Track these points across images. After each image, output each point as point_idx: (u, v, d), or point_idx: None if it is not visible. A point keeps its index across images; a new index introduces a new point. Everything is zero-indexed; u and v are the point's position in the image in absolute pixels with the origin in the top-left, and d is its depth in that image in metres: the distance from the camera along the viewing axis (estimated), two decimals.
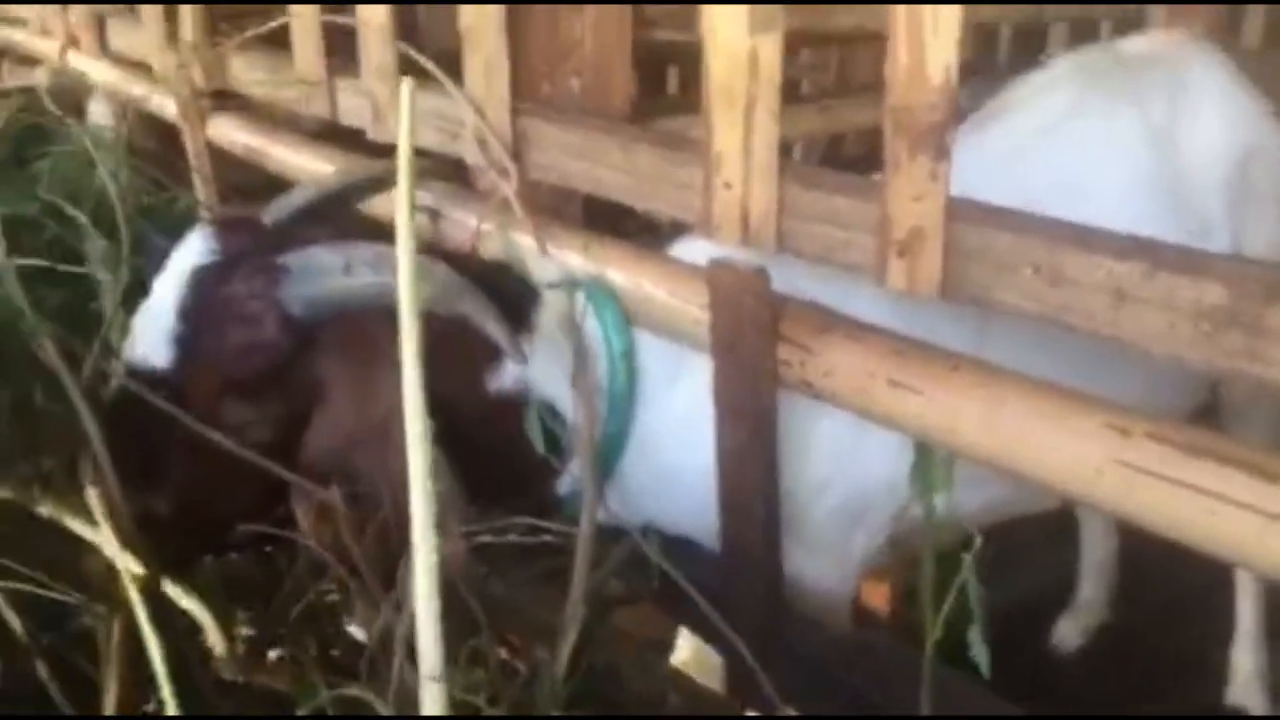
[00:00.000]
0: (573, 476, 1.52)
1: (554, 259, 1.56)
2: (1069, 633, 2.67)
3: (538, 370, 1.48)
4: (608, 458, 1.50)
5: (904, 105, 1.14)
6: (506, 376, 1.50)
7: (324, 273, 1.40)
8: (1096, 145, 1.72)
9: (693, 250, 1.50)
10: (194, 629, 1.44)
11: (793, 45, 3.62)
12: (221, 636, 1.38)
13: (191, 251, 1.44)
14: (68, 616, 1.50)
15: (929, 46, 1.10)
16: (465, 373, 1.48)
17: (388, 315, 1.26)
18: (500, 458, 1.48)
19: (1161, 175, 1.70)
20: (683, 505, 1.53)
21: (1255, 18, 3.44)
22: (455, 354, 1.46)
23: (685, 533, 1.56)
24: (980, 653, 1.07)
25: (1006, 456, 1.11)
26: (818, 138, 3.22)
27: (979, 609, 1.08)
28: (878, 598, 2.53)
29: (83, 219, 2.03)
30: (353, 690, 0.99)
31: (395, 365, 0.98)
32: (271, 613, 1.55)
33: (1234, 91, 1.83)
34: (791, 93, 3.48)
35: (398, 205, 0.90)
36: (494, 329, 1.41)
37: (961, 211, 1.15)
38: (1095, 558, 2.65)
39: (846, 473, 1.53)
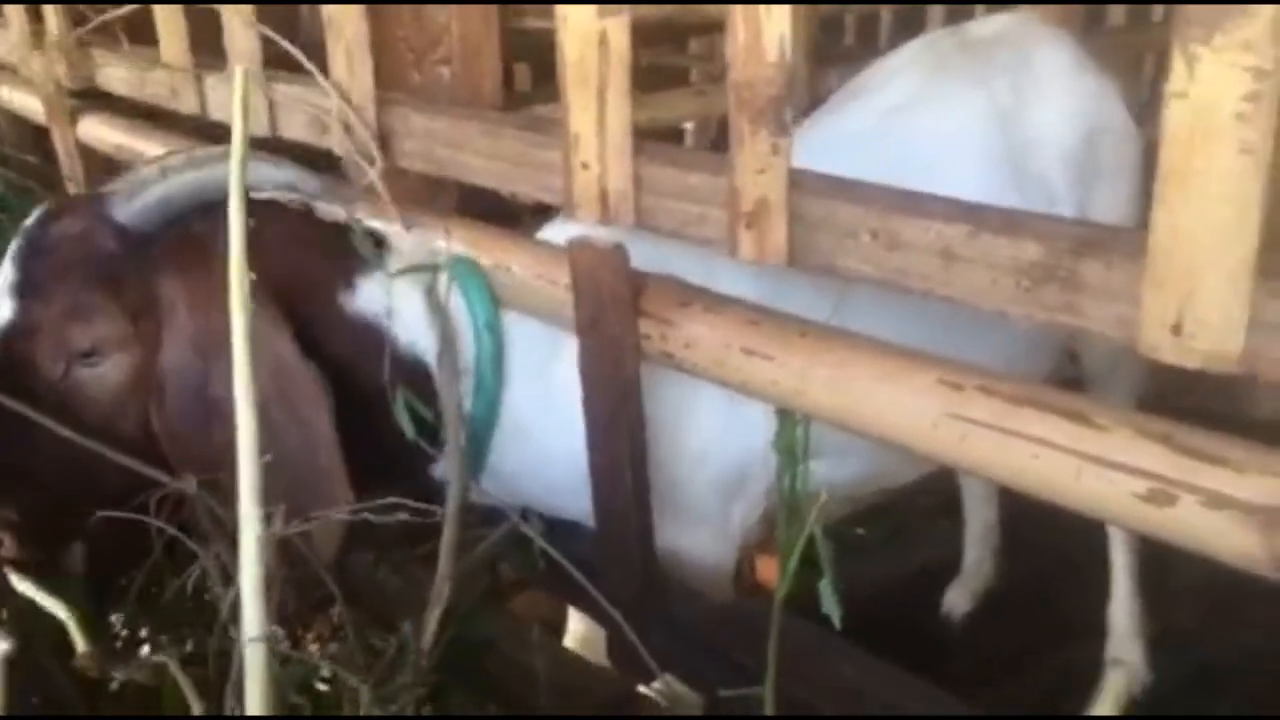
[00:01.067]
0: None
1: (418, 240, 1.56)
2: (957, 600, 2.75)
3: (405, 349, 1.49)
4: (479, 436, 1.52)
5: (744, 81, 1.18)
6: (363, 298, 1.51)
7: (145, 182, 1.44)
8: (944, 125, 1.78)
9: (561, 233, 1.53)
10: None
11: (680, 34, 3.67)
12: (81, 634, 1.37)
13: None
14: None
15: (764, 24, 1.14)
16: (320, 287, 1.49)
17: (218, 215, 1.31)
18: (372, 434, 1.48)
19: (1007, 153, 1.76)
20: (558, 487, 1.55)
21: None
22: (307, 265, 1.49)
23: (564, 514, 1.58)
24: (830, 604, 1.11)
25: (852, 415, 1.15)
26: (703, 122, 3.27)
27: (829, 562, 1.12)
28: (770, 571, 2.58)
29: None
30: (159, 657, 0.98)
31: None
32: (141, 607, 1.54)
33: (1078, 71, 1.90)
34: (681, 81, 3.55)
35: (231, 191, 0.91)
36: (343, 212, 1.48)
37: (803, 183, 1.19)
38: (977, 526, 2.74)
39: (722, 445, 1.56)
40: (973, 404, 1.04)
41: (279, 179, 1.55)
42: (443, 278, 1.50)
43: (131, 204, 1.44)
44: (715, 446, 1.56)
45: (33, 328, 1.41)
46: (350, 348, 1.49)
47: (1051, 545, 2.66)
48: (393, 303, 1.50)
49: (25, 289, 1.41)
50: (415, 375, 1.50)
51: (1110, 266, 0.96)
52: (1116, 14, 3.57)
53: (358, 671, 1.18)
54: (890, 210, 1.12)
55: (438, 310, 1.47)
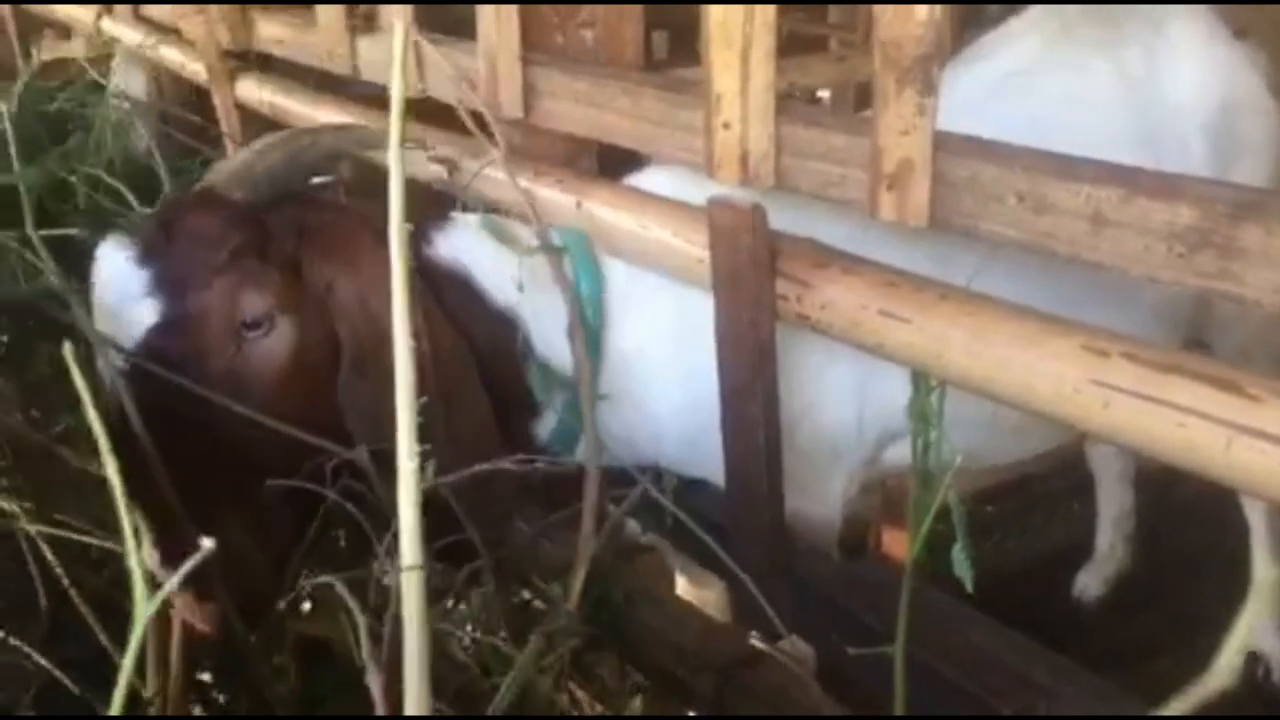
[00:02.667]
0: (554, 418, 1.56)
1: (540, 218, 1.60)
2: (1090, 583, 2.70)
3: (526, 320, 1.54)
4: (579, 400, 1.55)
5: (891, 39, 1.17)
6: (450, 252, 1.54)
7: (247, 164, 1.47)
8: (1067, 91, 1.74)
9: (651, 182, 1.59)
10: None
11: (820, 2, 3.63)
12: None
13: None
14: (109, 562, 1.56)
15: None
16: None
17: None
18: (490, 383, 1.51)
19: (1138, 125, 1.71)
20: (669, 445, 1.58)
21: None
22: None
23: (678, 471, 1.61)
24: (962, 570, 1.10)
25: (991, 380, 1.14)
26: (841, 89, 3.23)
27: (963, 530, 1.11)
28: (898, 545, 2.57)
29: (122, 189, 2.08)
30: (328, 578, 1.03)
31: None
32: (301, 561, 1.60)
33: (1214, 43, 1.83)
34: (819, 48, 3.52)
35: (390, 151, 0.94)
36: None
37: (948, 144, 1.18)
38: (1112, 510, 2.68)
39: (811, 414, 1.56)
40: (1117, 370, 1.02)
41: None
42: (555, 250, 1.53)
43: (243, 183, 1.45)
44: (807, 413, 1.56)
45: (193, 316, 1.38)
46: (448, 308, 1.50)
47: (1188, 533, 2.60)
48: (485, 263, 1.53)
49: (169, 284, 1.38)
50: (507, 336, 1.53)
51: (1271, 233, 0.94)
52: None
53: (506, 624, 1.22)
54: (1038, 172, 1.10)
55: (567, 288, 1.50)
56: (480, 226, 1.60)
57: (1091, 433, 1.10)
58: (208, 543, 0.56)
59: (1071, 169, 1.10)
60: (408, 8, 1.92)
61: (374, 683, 0.83)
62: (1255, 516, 2.25)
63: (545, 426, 1.59)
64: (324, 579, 1.02)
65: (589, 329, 1.54)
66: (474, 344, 1.49)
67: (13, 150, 1.75)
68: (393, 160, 0.89)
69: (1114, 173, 1.07)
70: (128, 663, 0.57)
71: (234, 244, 1.40)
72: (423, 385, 1.34)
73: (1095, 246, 1.07)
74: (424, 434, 1.30)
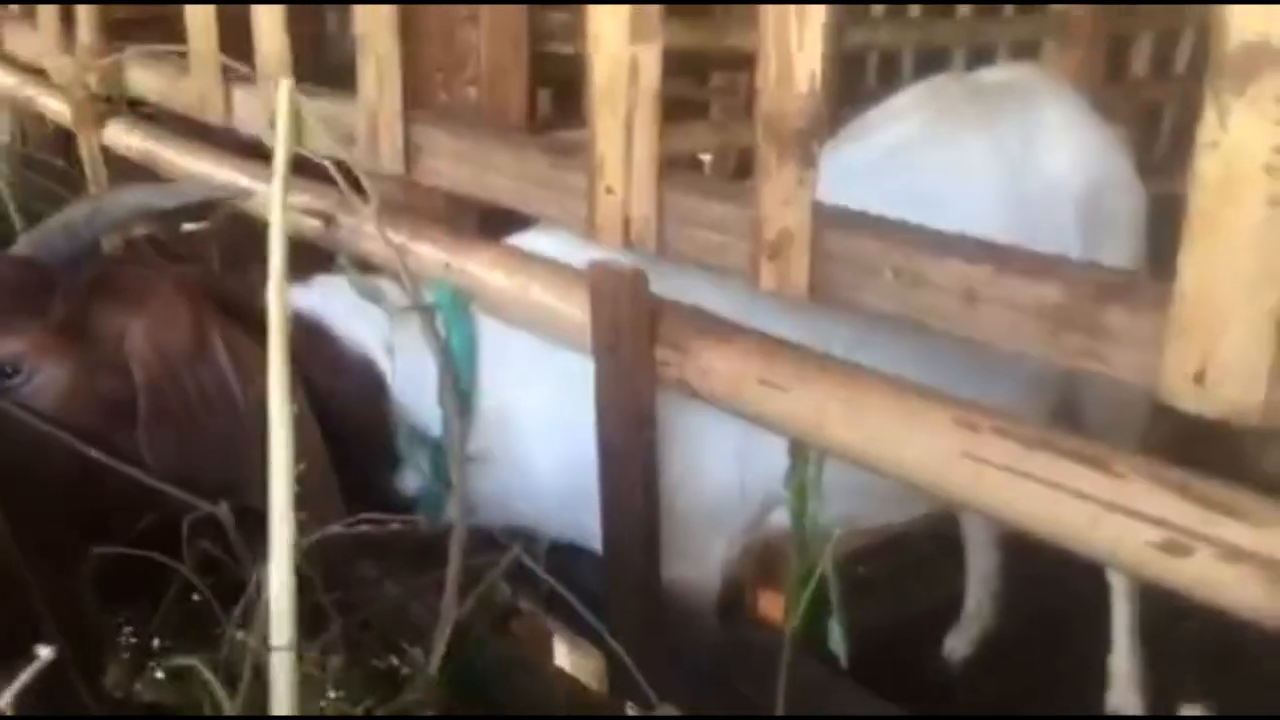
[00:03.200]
0: (419, 474, 1.54)
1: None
2: (957, 643, 2.74)
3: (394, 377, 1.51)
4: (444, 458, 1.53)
5: (774, 113, 1.18)
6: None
7: (47, 222, 1.49)
8: (949, 165, 1.79)
9: (534, 243, 1.58)
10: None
11: (701, 68, 3.69)
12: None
13: None
14: None
15: (795, 57, 1.15)
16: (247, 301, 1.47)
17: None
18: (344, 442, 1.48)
19: (1014, 200, 1.77)
20: (541, 508, 1.56)
21: (1142, 50, 3.59)
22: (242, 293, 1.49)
23: (538, 529, 1.59)
24: (836, 642, 1.10)
25: (868, 451, 1.15)
26: (722, 156, 3.28)
27: (838, 601, 1.12)
28: (773, 608, 2.57)
29: None
30: (186, 660, 0.98)
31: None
32: (155, 622, 1.53)
33: (1084, 123, 1.91)
34: (701, 114, 3.57)
35: (271, 207, 0.92)
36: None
37: (827, 216, 1.19)
38: (979, 571, 2.73)
39: (696, 479, 1.56)
40: (988, 445, 1.04)
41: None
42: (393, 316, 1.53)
43: (33, 237, 1.48)
44: (689, 480, 1.55)
45: None
46: (311, 370, 1.47)
47: (1052, 592, 2.66)
48: (345, 319, 1.51)
49: None
50: (366, 390, 1.51)
51: (1134, 313, 0.97)
52: (1139, 64, 3.59)
53: (365, 690, 1.18)
54: (914, 247, 1.12)
55: (438, 347, 1.49)
56: (345, 283, 1.57)
57: (965, 505, 1.12)
58: (45, 652, 0.52)
59: (946, 245, 1.12)
60: (286, 56, 1.88)
61: None
62: (1117, 579, 2.32)
63: (410, 482, 1.56)
64: (184, 660, 0.97)
65: (460, 387, 1.52)
66: (328, 397, 1.46)
67: None
68: (274, 218, 0.87)
69: (987, 250, 1.10)
70: None
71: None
72: (245, 435, 1.34)
73: (968, 322, 1.09)
74: (247, 484, 1.29)
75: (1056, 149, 1.84)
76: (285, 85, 0.90)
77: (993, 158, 1.80)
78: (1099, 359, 1.01)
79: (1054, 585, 2.63)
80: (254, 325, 1.42)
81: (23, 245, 1.49)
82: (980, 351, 1.18)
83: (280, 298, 0.83)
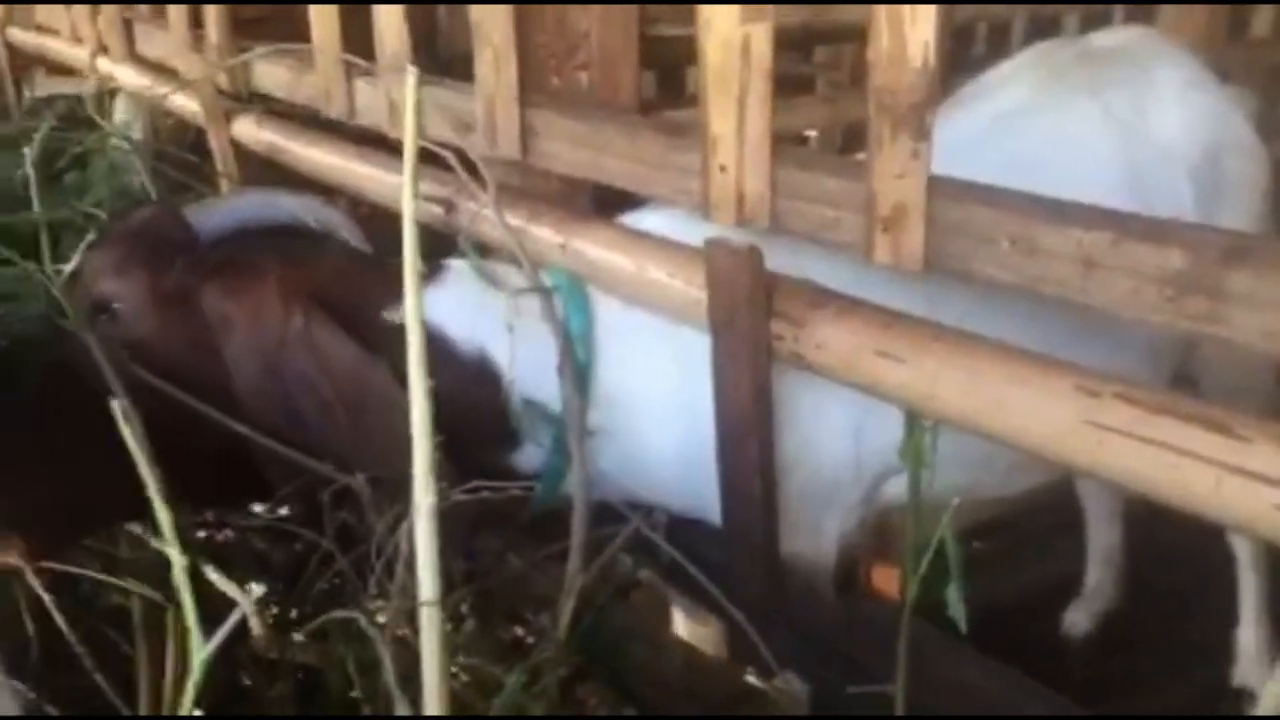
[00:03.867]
0: (540, 451, 1.59)
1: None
2: (1078, 619, 2.71)
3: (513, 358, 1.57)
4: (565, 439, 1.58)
5: (886, 87, 1.20)
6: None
7: (219, 198, 1.71)
8: (1058, 132, 1.77)
9: (646, 223, 1.62)
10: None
11: (806, 43, 3.68)
12: (259, 617, 1.44)
13: None
14: (99, 595, 1.56)
15: (908, 30, 1.16)
16: (372, 303, 1.58)
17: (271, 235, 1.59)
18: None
19: (1125, 165, 1.73)
20: (657, 485, 1.60)
21: (1264, 10, 3.47)
22: (359, 283, 1.61)
23: (668, 508, 1.62)
24: (957, 609, 1.12)
25: (985, 420, 1.16)
26: (828, 130, 3.27)
27: (957, 568, 1.13)
28: (888, 582, 2.58)
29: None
30: (346, 612, 1.04)
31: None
32: (297, 591, 1.61)
33: (1199, 87, 1.86)
34: (806, 89, 3.56)
35: (403, 195, 0.96)
36: (352, 231, 1.68)
37: (942, 188, 1.20)
38: (1101, 545, 2.69)
39: (808, 454, 1.58)
40: (1111, 411, 1.04)
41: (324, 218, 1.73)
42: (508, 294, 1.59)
43: (200, 210, 1.64)
44: (805, 452, 1.57)
45: (83, 273, 1.59)
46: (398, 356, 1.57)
47: (1177, 567, 2.61)
48: (455, 305, 1.58)
49: (90, 246, 1.61)
50: (478, 373, 1.57)
51: (1259, 277, 0.96)
52: (1260, 25, 3.47)
53: (495, 655, 1.23)
54: (1030, 216, 1.13)
55: (556, 326, 1.54)
56: (460, 270, 1.63)
57: (1084, 472, 1.12)
58: (254, 590, 0.57)
59: (1063, 213, 1.12)
60: (406, 49, 1.95)
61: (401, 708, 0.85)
62: (1243, 552, 2.27)
63: (527, 459, 1.61)
64: (341, 613, 1.03)
65: (578, 366, 1.56)
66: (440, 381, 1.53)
67: (34, 194, 1.82)
68: (406, 204, 0.91)
69: (1105, 217, 1.09)
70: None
71: (139, 236, 1.59)
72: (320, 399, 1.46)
73: (1085, 289, 1.09)
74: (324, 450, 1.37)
75: (1170, 114, 1.80)
76: (412, 74, 0.94)
77: (1102, 123, 1.77)
78: (1222, 323, 1.00)
79: (1177, 559, 2.59)
80: (365, 320, 1.55)
81: (188, 210, 1.63)
82: (1095, 321, 1.18)
83: (414, 280, 0.88)
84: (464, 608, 1.59)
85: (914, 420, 1.30)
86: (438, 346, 1.56)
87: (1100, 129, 1.77)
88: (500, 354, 1.57)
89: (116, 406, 0.71)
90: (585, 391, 1.56)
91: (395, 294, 1.61)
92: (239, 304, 1.54)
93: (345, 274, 1.62)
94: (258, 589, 1.61)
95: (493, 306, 1.58)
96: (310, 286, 1.55)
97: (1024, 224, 1.13)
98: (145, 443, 1.32)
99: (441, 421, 1.51)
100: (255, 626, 1.47)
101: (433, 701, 0.88)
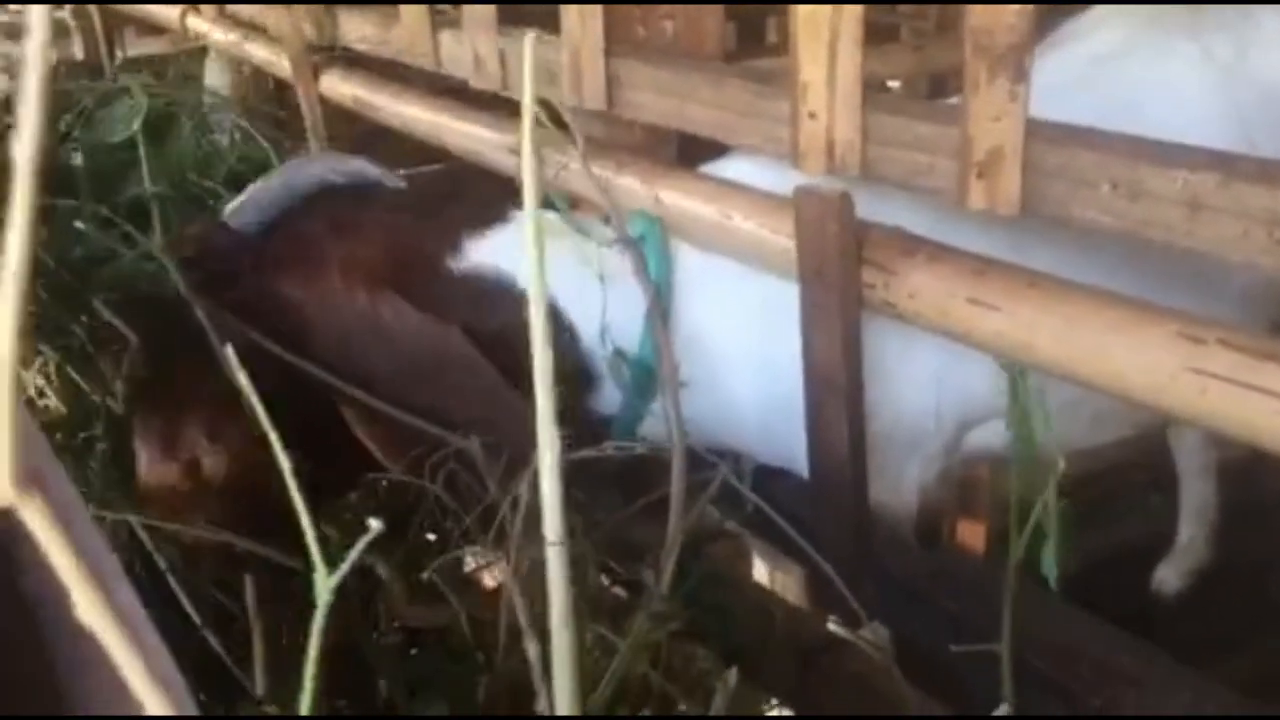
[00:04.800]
0: (612, 396, 1.61)
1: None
2: (1169, 576, 2.66)
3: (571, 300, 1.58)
4: (643, 385, 1.59)
5: (983, 27, 1.17)
6: (477, 259, 1.62)
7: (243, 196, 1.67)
8: (1151, 77, 1.71)
9: (731, 171, 1.61)
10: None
11: None
12: (400, 584, 1.47)
13: None
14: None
15: None
16: (424, 262, 1.62)
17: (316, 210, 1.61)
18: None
19: (1227, 109, 1.68)
20: (741, 433, 1.60)
21: None
22: (406, 246, 1.63)
23: (735, 449, 1.62)
24: (1050, 567, 1.10)
25: (1083, 369, 1.14)
26: (914, 78, 3.21)
27: (1057, 526, 1.11)
28: (973, 537, 2.56)
29: (219, 188, 2.16)
30: (477, 549, 1.06)
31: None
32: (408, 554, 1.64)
33: None
34: (891, 38, 3.49)
35: (523, 159, 0.96)
36: (383, 175, 1.68)
37: (1040, 131, 1.18)
38: (1193, 502, 2.63)
39: (892, 401, 1.57)
40: (1214, 357, 1.02)
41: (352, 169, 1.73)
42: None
43: (233, 204, 1.67)
44: (885, 401, 1.56)
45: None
46: (469, 307, 1.60)
47: (1270, 526, 2.55)
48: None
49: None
50: (554, 327, 1.58)
51: None
52: None
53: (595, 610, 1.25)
54: (1134, 158, 1.10)
55: (645, 279, 1.56)
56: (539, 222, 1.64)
57: (1188, 420, 1.10)
58: (375, 524, 0.59)
59: (1167, 155, 1.09)
60: (490, 10, 1.95)
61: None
62: None
63: (607, 402, 1.63)
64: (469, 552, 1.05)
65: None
66: (500, 337, 1.56)
67: (144, 170, 1.87)
68: (526, 167, 0.92)
69: (1211, 158, 1.06)
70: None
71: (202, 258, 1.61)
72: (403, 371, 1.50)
73: (1192, 232, 1.06)
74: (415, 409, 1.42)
75: (1274, 56, 1.73)
76: (530, 36, 0.95)
77: (1202, 66, 1.72)
78: None
79: (1270, 517, 2.54)
80: (432, 277, 1.59)
81: (227, 214, 1.66)
82: (1195, 264, 1.15)
83: (536, 230, 0.89)
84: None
85: (1018, 379, 1.27)
86: (508, 293, 1.58)
87: (1200, 71, 1.71)
88: (570, 300, 1.58)
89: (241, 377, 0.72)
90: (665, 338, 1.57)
91: (450, 242, 1.64)
92: (307, 297, 1.59)
93: (399, 235, 1.64)
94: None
95: (567, 256, 1.59)
96: (368, 261, 1.59)
97: (1127, 166, 1.10)
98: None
99: (511, 368, 1.54)
100: (394, 587, 1.50)
101: (562, 646, 0.89)
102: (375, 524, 0.55)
